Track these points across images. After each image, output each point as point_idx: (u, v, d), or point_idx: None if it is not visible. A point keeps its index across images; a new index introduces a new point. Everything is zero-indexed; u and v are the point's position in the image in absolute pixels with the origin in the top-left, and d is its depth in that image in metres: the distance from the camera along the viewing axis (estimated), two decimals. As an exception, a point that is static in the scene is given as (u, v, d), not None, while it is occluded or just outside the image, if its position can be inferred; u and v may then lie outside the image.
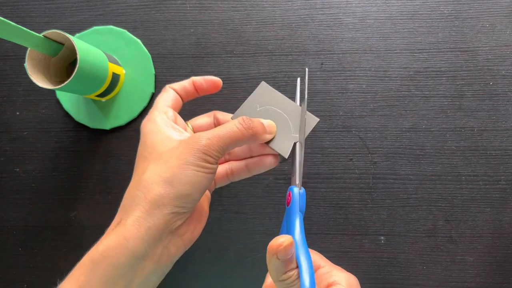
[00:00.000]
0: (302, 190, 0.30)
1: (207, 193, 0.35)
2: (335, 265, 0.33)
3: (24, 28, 0.33)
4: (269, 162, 0.34)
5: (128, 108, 0.45)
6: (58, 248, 0.45)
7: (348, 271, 0.33)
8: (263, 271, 0.44)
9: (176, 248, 0.29)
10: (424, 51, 0.44)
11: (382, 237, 0.43)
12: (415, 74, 0.43)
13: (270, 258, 0.25)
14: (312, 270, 0.26)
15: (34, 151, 0.46)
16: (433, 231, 0.43)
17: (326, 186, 0.44)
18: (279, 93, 0.35)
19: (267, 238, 0.44)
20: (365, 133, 0.44)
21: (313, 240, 0.43)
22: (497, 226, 0.42)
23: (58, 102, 0.46)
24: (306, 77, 0.35)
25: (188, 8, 0.46)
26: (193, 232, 0.30)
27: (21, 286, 0.46)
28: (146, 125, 0.31)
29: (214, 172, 0.29)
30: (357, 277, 0.33)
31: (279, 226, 0.44)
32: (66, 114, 0.46)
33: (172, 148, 0.28)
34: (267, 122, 0.33)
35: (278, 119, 0.34)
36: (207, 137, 0.28)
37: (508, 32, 0.43)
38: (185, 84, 0.34)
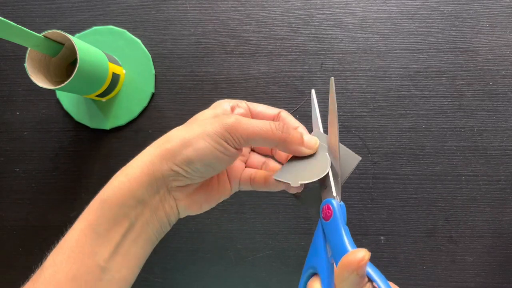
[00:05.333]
0: (341, 202, 0.30)
1: (224, 189, 0.33)
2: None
3: (24, 28, 0.33)
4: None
5: (128, 108, 0.45)
6: (58, 248, 0.45)
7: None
8: (263, 271, 0.44)
9: (171, 208, 0.30)
10: (424, 51, 0.44)
11: (382, 237, 0.43)
12: (415, 74, 0.43)
13: (349, 275, 0.23)
14: (385, 279, 0.25)
15: (34, 151, 0.46)
16: (433, 231, 0.43)
17: (326, 186, 0.44)
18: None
19: (267, 238, 0.44)
20: (365, 133, 0.44)
21: (313, 240, 0.44)
22: (497, 226, 0.42)
23: (58, 102, 0.46)
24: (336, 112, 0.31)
25: (188, 8, 0.46)
26: (188, 206, 0.31)
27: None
28: (215, 102, 0.33)
29: (228, 155, 0.28)
30: None
31: (279, 226, 0.44)
32: (66, 114, 0.46)
33: (205, 119, 0.30)
34: (309, 137, 0.31)
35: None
36: (236, 118, 0.28)
37: (508, 32, 0.43)
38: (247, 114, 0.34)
